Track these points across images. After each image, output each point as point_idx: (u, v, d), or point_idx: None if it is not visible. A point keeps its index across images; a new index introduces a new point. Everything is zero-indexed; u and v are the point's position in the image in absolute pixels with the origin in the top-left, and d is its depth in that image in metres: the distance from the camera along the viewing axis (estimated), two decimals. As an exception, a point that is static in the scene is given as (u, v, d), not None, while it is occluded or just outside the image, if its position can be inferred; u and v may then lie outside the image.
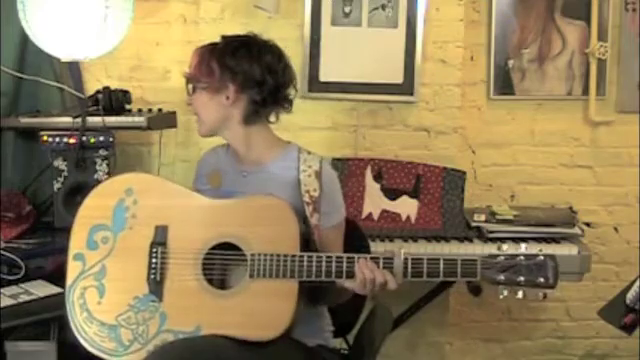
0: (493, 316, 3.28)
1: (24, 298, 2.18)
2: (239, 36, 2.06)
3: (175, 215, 1.93)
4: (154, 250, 1.90)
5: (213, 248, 1.90)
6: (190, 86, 2.06)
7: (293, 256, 1.84)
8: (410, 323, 3.02)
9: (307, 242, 1.93)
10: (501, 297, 1.77)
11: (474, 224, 2.85)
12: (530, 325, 3.31)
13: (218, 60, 2.00)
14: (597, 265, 3.08)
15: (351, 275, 1.83)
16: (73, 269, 1.94)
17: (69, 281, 1.94)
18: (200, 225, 1.92)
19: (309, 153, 2.05)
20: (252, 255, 1.86)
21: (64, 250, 2.49)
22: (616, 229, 3.26)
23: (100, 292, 1.91)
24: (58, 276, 2.37)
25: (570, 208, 3.03)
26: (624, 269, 3.24)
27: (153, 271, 1.89)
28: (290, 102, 2.07)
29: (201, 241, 1.90)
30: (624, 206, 3.24)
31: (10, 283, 2.28)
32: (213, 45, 2.05)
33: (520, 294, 1.77)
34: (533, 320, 3.31)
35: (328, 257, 1.85)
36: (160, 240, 1.91)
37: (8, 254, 2.33)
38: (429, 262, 1.81)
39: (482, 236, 2.81)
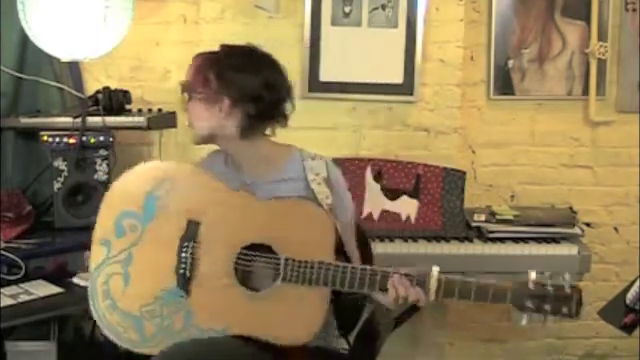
0: (493, 316, 3.28)
1: (24, 298, 2.19)
2: (239, 47, 2.04)
3: (209, 210, 1.88)
4: (185, 244, 1.87)
5: (246, 248, 1.87)
6: (186, 94, 2.02)
7: (328, 265, 1.83)
8: (410, 323, 3.01)
9: (342, 248, 1.92)
10: (524, 323, 1.82)
11: (474, 224, 2.85)
12: (530, 325, 3.30)
13: (216, 71, 1.97)
14: (597, 265, 3.09)
15: (384, 289, 1.82)
16: (97, 254, 1.89)
17: (93, 265, 1.89)
18: (235, 223, 1.88)
19: (312, 158, 2.03)
20: (286, 260, 1.83)
21: (64, 250, 2.52)
22: (616, 229, 3.26)
23: (125, 280, 1.86)
24: (58, 276, 2.39)
25: (570, 208, 3.03)
26: (624, 269, 3.24)
27: (183, 266, 1.86)
28: (286, 117, 2.04)
29: (234, 239, 1.87)
30: (624, 206, 3.23)
31: (10, 283, 2.28)
32: (212, 54, 2.01)
33: (540, 319, 1.82)
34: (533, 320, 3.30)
35: (363, 269, 1.83)
36: (192, 235, 1.87)
37: (8, 254, 2.34)
38: (462, 284, 1.80)
39: (482, 236, 2.81)
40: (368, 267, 1.84)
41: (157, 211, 1.89)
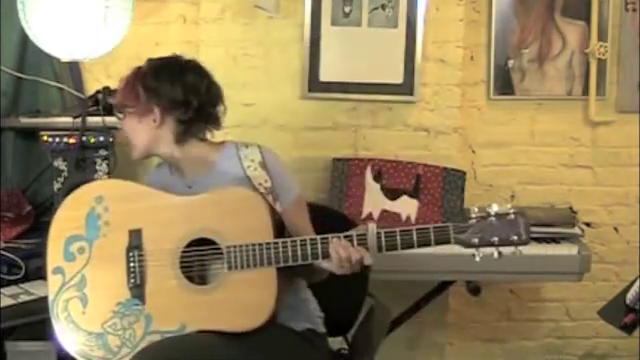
0: (493, 316, 3.28)
1: (24, 298, 2.19)
2: (162, 58, 2.10)
3: (148, 217, 1.95)
4: (131, 254, 1.93)
5: (189, 245, 1.92)
6: (119, 112, 2.09)
7: (268, 244, 1.87)
8: (410, 323, 3.02)
9: (283, 229, 1.97)
10: (477, 260, 1.78)
11: (474, 224, 2.84)
12: (530, 325, 3.31)
13: (142, 84, 2.03)
14: (597, 265, 3.09)
15: (327, 256, 1.86)
16: (54, 283, 1.96)
17: (51, 295, 1.96)
18: (174, 224, 1.94)
19: (247, 147, 2.07)
20: (228, 248, 1.88)
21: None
22: (616, 229, 3.26)
23: (83, 302, 1.94)
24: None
25: (570, 208, 3.03)
26: (624, 269, 3.24)
27: (132, 275, 1.92)
28: (218, 120, 2.08)
29: (176, 239, 1.93)
30: (624, 206, 3.23)
31: (10, 283, 2.28)
32: (137, 69, 2.07)
33: (496, 254, 1.79)
34: (533, 320, 3.31)
35: (302, 240, 1.88)
36: (135, 244, 1.94)
37: (8, 254, 2.34)
38: (402, 233, 1.84)
39: (482, 236, 2.80)
40: (307, 238, 1.88)
41: (100, 229, 1.96)
